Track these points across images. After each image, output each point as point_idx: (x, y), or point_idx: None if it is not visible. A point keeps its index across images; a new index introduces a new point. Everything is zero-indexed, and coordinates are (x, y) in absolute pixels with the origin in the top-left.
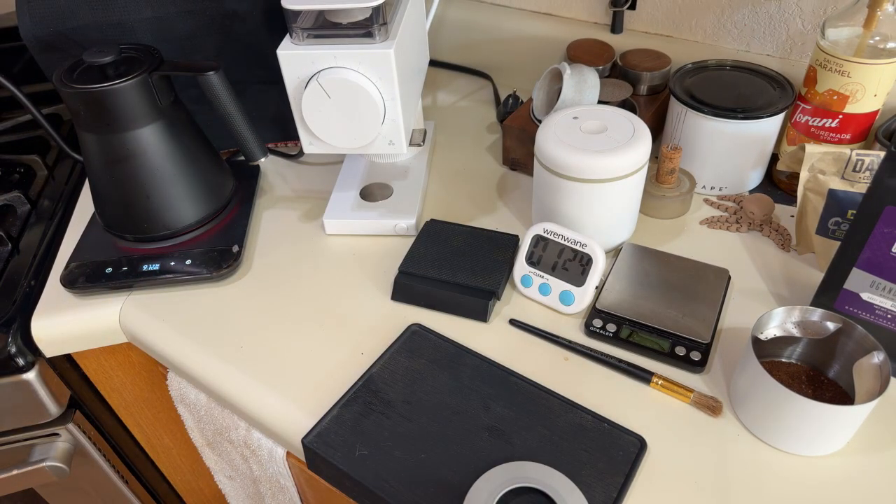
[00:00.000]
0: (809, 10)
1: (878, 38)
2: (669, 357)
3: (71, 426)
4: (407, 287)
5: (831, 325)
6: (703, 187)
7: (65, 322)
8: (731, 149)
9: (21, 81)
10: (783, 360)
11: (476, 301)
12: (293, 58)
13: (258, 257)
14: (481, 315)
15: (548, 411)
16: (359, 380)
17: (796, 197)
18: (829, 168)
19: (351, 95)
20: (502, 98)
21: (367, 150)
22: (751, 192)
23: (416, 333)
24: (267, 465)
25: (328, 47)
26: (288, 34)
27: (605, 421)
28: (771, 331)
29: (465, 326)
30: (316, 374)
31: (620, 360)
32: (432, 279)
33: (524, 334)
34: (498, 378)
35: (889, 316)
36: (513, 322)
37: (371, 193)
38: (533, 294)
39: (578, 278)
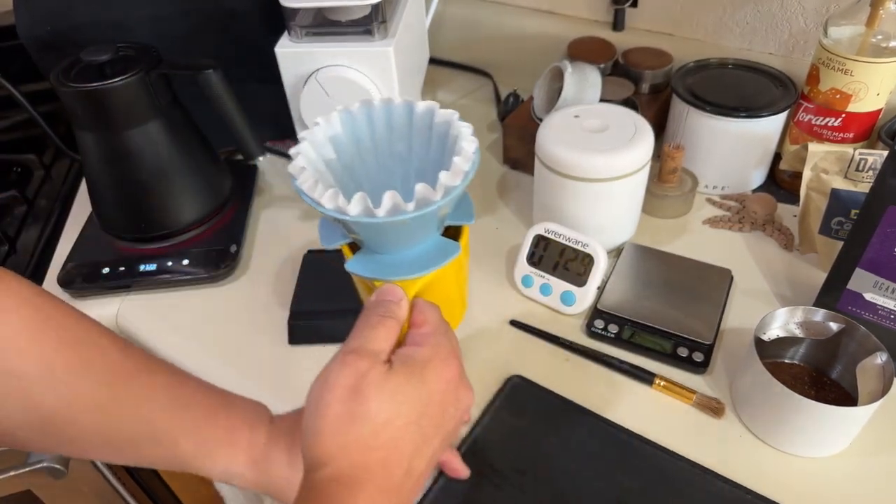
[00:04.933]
0: (812, 8)
1: (880, 37)
2: (671, 358)
3: None
4: None
5: (834, 326)
6: (706, 187)
7: None
8: (734, 148)
9: (18, 80)
10: (786, 361)
11: None
12: (292, 56)
13: (256, 257)
14: None
15: (685, 484)
16: None
17: (799, 196)
18: (831, 167)
19: (350, 93)
20: (503, 96)
21: None
22: (753, 191)
23: None
24: None
25: (327, 45)
26: (286, 32)
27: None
28: (774, 331)
29: (465, 326)
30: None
31: (622, 362)
32: None
33: (525, 335)
34: (619, 443)
35: (892, 316)
36: (513, 323)
37: None
38: (534, 294)
39: (580, 278)
